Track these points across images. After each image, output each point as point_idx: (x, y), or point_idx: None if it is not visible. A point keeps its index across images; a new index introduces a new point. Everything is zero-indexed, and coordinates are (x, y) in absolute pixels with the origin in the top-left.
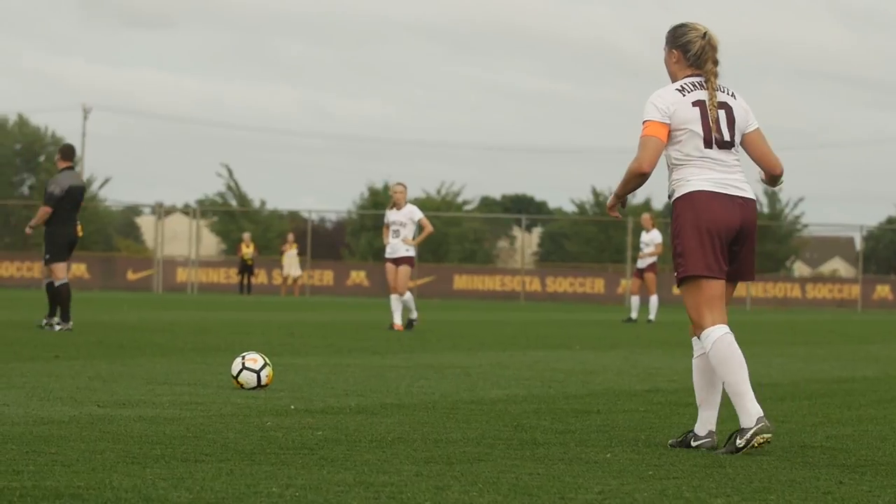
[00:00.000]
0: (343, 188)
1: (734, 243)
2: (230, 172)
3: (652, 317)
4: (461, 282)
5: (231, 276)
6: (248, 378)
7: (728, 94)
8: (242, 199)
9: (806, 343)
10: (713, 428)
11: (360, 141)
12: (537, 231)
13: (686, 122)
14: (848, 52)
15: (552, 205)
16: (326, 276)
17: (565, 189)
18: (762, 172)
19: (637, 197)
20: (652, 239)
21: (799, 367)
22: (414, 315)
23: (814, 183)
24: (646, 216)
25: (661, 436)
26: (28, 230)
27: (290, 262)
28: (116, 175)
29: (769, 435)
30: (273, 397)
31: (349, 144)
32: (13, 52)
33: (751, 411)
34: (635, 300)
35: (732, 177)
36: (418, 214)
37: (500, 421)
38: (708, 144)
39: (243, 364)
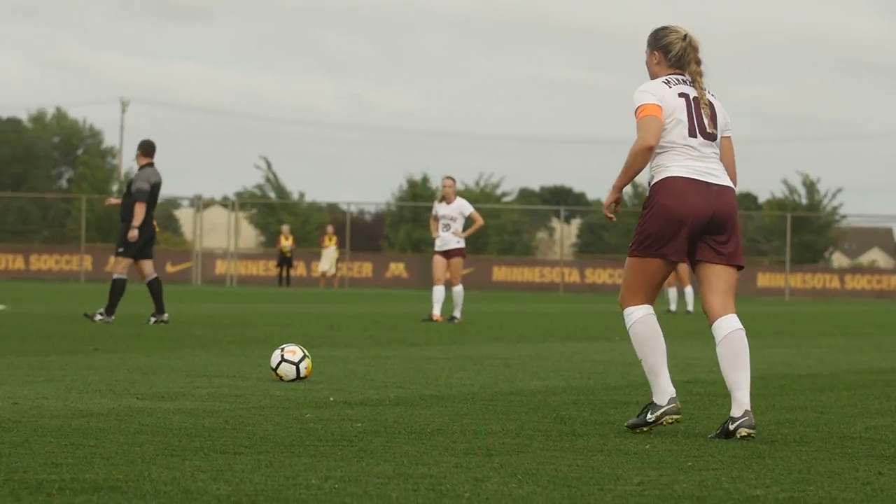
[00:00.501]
0: (381, 180)
1: (711, 232)
2: (269, 165)
3: (690, 308)
4: (500, 273)
5: (270, 268)
6: (287, 370)
7: (711, 95)
8: (281, 191)
9: (845, 334)
10: (748, 407)
11: (399, 133)
12: (576, 222)
13: (673, 110)
14: (889, 43)
15: (591, 196)
16: (365, 268)
17: (604, 180)
18: None
19: None
20: None
21: (838, 358)
22: (457, 313)
23: (853, 173)
24: None
25: (700, 426)
26: (133, 234)
27: (328, 258)
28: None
29: (678, 416)
30: (312, 389)
31: (387, 136)
32: (51, 46)
33: (665, 390)
34: (672, 292)
35: (710, 165)
36: (469, 209)
37: (539, 412)
38: (692, 133)
39: (282, 356)
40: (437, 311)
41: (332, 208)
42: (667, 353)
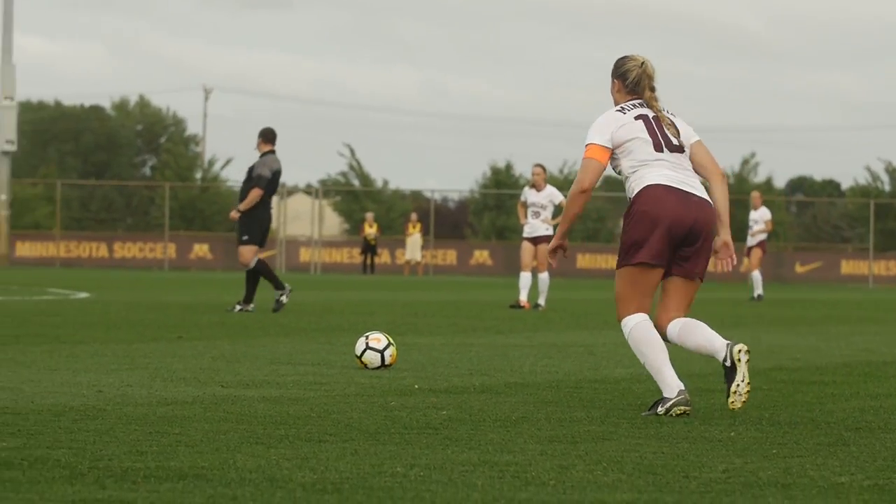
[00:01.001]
0: (464, 168)
1: (686, 244)
2: (352, 152)
3: (760, 292)
4: (584, 261)
5: (354, 255)
6: (371, 358)
7: (668, 112)
8: (365, 178)
9: None
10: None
11: (481, 120)
12: None
13: (632, 133)
14: None
15: None
16: (449, 256)
17: None
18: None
19: (759, 175)
20: (761, 216)
21: None
22: (542, 301)
23: None
24: (755, 194)
25: (784, 414)
26: (235, 214)
27: (413, 245)
28: (238, 156)
29: (688, 407)
30: (397, 377)
31: (470, 124)
32: (133, 34)
33: (672, 384)
34: (756, 276)
35: (686, 178)
36: (559, 197)
37: (623, 399)
38: (658, 148)
39: (367, 344)
40: (524, 297)
41: (416, 196)
42: (667, 351)
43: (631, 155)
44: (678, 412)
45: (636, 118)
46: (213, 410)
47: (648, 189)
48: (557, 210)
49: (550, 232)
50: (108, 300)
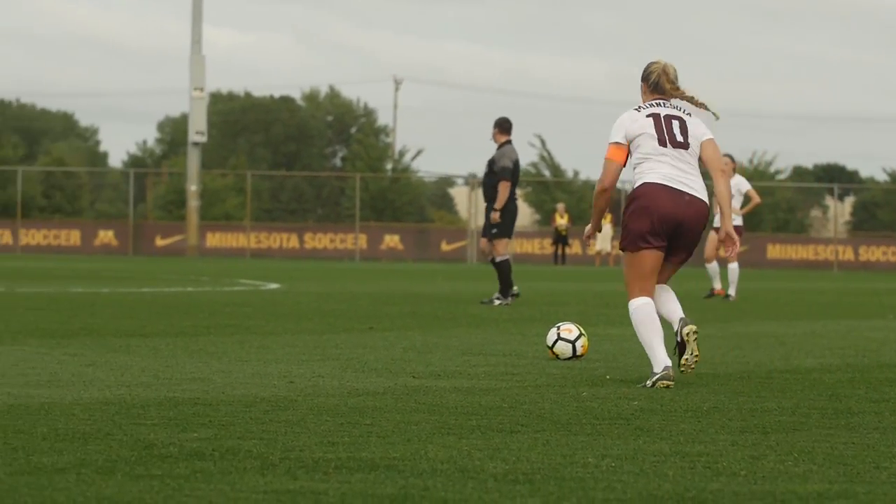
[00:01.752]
0: None
1: (673, 236)
2: (543, 143)
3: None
4: (774, 251)
5: (545, 246)
6: (563, 348)
7: (684, 112)
8: (556, 169)
9: None
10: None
11: None
12: (849, 200)
13: (642, 129)
14: None
15: (864, 174)
16: None
17: (878, 158)
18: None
19: None
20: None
21: None
22: (732, 291)
23: None
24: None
25: None
26: (496, 215)
27: (604, 236)
28: (429, 146)
29: (671, 382)
30: (589, 367)
31: None
32: (323, 26)
33: (660, 360)
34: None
35: (684, 174)
36: (746, 186)
37: (814, 390)
38: (662, 143)
39: (558, 334)
40: (717, 285)
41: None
42: (662, 333)
43: (639, 148)
44: (662, 385)
45: (647, 116)
46: (404, 401)
47: (646, 186)
48: (746, 199)
49: (738, 222)
50: (298, 291)
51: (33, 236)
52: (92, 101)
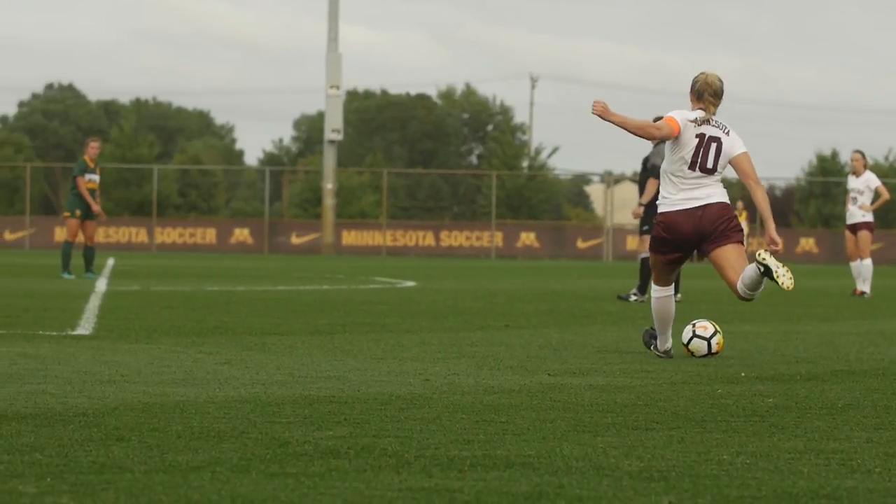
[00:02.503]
0: (790, 155)
1: (703, 239)
2: None
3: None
4: None
5: None
6: (698, 346)
7: (723, 130)
8: None
9: None
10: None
11: (805, 108)
12: None
13: (687, 143)
14: None
15: None
16: None
17: None
18: None
19: None
20: (866, 184)
21: None
22: (866, 288)
23: None
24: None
25: None
26: (639, 209)
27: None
28: (565, 144)
29: (668, 358)
30: (723, 364)
31: (794, 112)
32: (456, 23)
33: (666, 343)
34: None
35: (700, 192)
36: (875, 182)
37: None
38: (692, 167)
39: (694, 332)
40: (859, 286)
41: (742, 184)
42: (673, 322)
43: (671, 163)
44: (659, 357)
45: (695, 136)
46: (539, 399)
47: (664, 216)
48: (876, 195)
49: (867, 218)
50: (434, 289)
51: (169, 234)
52: (227, 100)
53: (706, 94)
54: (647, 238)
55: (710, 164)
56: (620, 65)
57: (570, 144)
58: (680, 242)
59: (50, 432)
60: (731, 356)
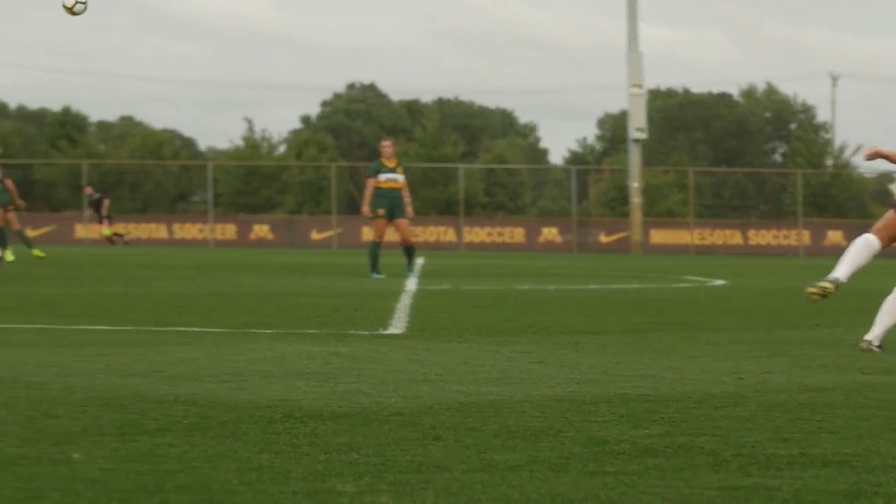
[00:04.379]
0: None
1: None
2: None
3: None
4: None
5: None
6: None
7: None
8: None
9: None
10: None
11: None
12: None
13: None
14: None
15: None
16: None
17: None
18: None
19: None
20: None
21: None
22: None
23: None
24: None
25: None
26: None
27: None
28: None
29: (828, 285)
30: None
31: None
32: (756, 22)
33: (839, 272)
34: None
35: None
36: None
37: None
38: None
39: None
40: None
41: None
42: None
43: None
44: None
45: None
46: (853, 397)
47: None
48: None
49: None
50: (744, 287)
51: (476, 234)
52: (530, 99)
53: None
54: None
55: None
56: None
57: (874, 142)
58: None
59: (366, 431)
60: None
